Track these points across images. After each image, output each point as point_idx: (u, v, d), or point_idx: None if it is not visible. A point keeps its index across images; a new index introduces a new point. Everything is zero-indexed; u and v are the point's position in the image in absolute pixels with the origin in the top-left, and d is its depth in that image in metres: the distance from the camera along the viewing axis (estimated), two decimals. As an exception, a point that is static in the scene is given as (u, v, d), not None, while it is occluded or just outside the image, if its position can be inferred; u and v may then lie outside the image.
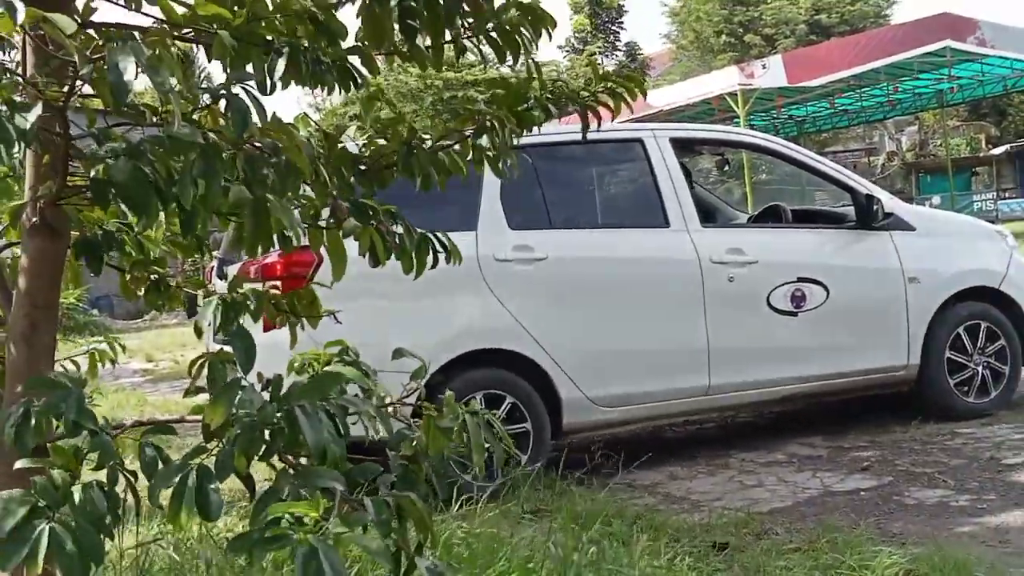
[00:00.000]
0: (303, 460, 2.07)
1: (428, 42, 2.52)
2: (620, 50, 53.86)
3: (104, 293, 27.77)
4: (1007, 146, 47.69)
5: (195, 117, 2.26)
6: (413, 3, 2.35)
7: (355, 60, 2.48)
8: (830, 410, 7.94)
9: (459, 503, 4.98)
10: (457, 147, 2.82)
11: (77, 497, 1.84)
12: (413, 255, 2.69)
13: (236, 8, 2.17)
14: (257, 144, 2.17)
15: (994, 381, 7.46)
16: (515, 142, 2.86)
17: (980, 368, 7.43)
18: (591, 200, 7.66)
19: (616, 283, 6.78)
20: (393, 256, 2.68)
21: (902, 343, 7.28)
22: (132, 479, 2.06)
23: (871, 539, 4.69)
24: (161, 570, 4.20)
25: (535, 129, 2.92)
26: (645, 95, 3.88)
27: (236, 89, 2.08)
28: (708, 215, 7.93)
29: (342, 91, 2.48)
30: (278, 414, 2.00)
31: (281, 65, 2.22)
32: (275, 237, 2.24)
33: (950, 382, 7.37)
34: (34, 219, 2.29)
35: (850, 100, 36.47)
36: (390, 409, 2.45)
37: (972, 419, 7.26)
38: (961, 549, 4.56)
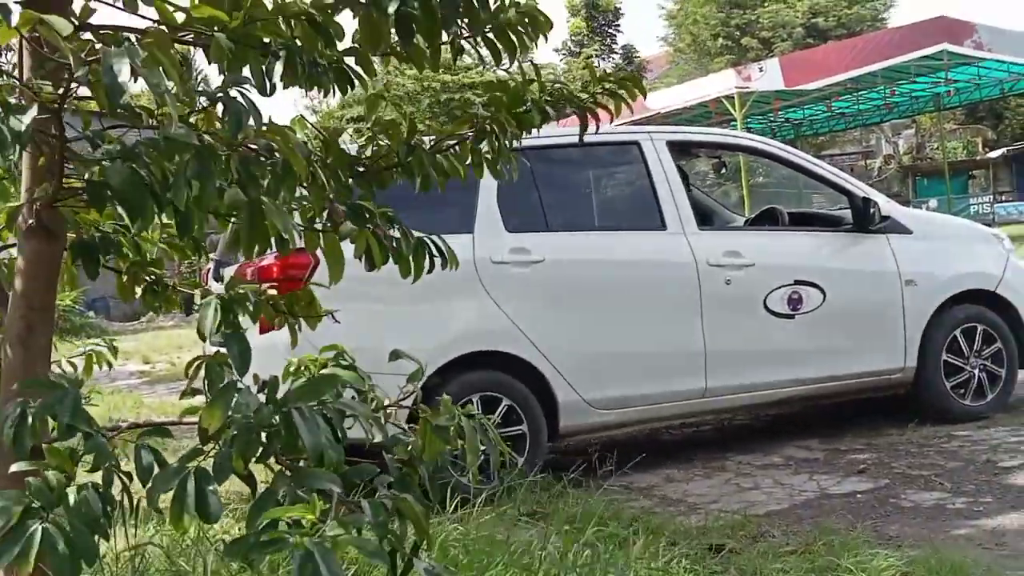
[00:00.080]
0: (297, 463, 2.07)
1: (425, 44, 2.52)
2: (616, 53, 53.92)
3: (100, 295, 27.73)
4: (1004, 149, 47.73)
5: (192, 120, 2.26)
6: (410, 9, 2.34)
7: (352, 61, 2.48)
8: (826, 413, 7.95)
9: (455, 505, 4.98)
10: (456, 149, 2.82)
11: (72, 498, 1.84)
12: (411, 259, 2.69)
13: (233, 11, 2.17)
14: (253, 146, 2.17)
15: (990, 384, 7.46)
16: (514, 145, 2.87)
17: (976, 371, 7.43)
18: (588, 203, 7.66)
19: (613, 286, 6.78)
20: (390, 259, 2.68)
21: (899, 346, 7.28)
22: (127, 481, 2.06)
23: (867, 542, 4.69)
24: (157, 571, 4.20)
25: (532, 131, 2.92)
26: (645, 96, 3.89)
27: (232, 92, 2.07)
28: (705, 218, 7.93)
29: (339, 92, 2.48)
30: (275, 417, 2.00)
31: (279, 67, 2.22)
32: (273, 239, 2.24)
33: (947, 385, 7.37)
34: (30, 221, 2.29)
35: (847, 103, 36.50)
36: (387, 412, 2.45)
37: (968, 422, 7.26)
38: (957, 552, 4.56)
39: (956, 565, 4.27)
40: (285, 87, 2.31)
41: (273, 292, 2.68)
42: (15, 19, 1.92)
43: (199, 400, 2.18)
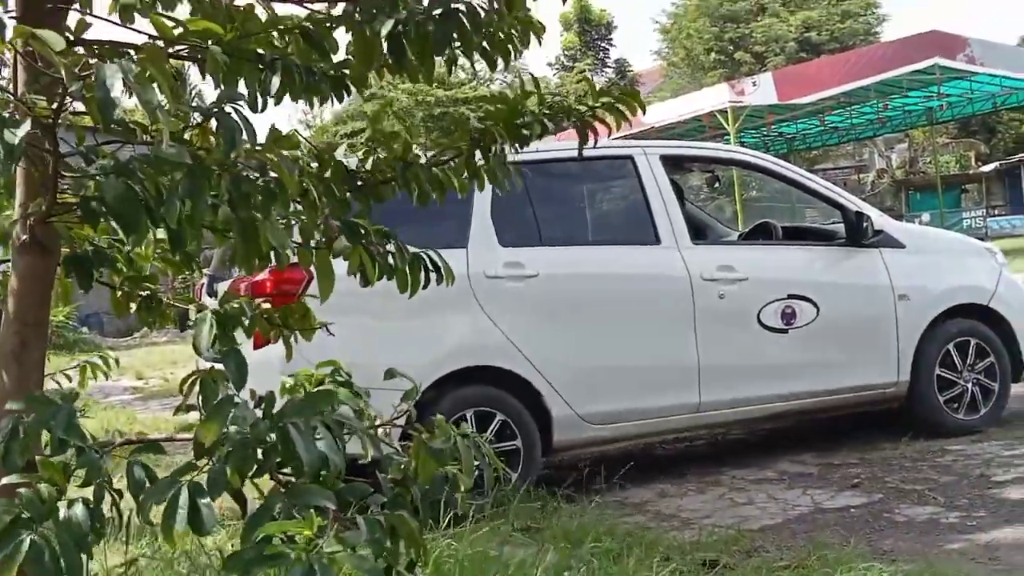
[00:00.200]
0: (293, 479, 2.06)
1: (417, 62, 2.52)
2: (609, 67, 54.04)
3: (94, 311, 27.65)
4: (996, 163, 47.88)
5: (187, 135, 2.26)
6: (403, 29, 2.35)
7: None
8: (820, 427, 7.94)
9: (448, 521, 4.97)
10: (454, 163, 2.82)
11: (62, 512, 1.84)
12: (408, 274, 2.69)
13: (228, 24, 2.17)
14: (245, 163, 2.16)
15: (984, 398, 7.46)
16: (511, 158, 2.87)
17: (970, 385, 7.43)
18: (582, 217, 7.66)
19: (607, 300, 6.78)
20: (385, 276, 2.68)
21: (892, 360, 7.29)
22: (118, 497, 2.05)
23: (861, 556, 4.68)
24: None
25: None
26: (644, 110, 3.88)
27: (227, 108, 2.07)
28: (699, 232, 7.94)
29: (336, 102, 2.49)
30: (271, 433, 2.00)
31: (276, 81, 2.22)
32: (271, 254, 2.24)
33: (940, 399, 7.37)
34: (24, 236, 2.29)
35: (840, 117, 36.57)
36: (381, 431, 2.44)
37: (962, 436, 7.25)
38: (951, 566, 4.56)
39: (950, 580, 4.27)
40: (282, 100, 2.31)
41: (267, 307, 2.67)
42: (8, 33, 1.92)
43: (193, 416, 2.18)
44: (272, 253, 2.24)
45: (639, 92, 3.03)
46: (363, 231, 2.61)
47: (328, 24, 2.39)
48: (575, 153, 3.09)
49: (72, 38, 1.98)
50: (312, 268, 2.62)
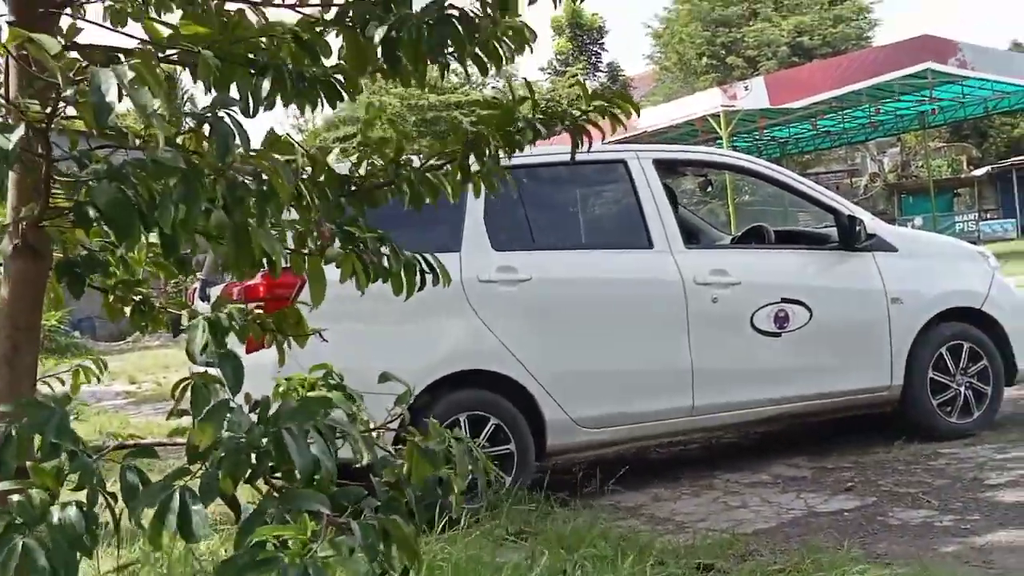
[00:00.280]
0: (286, 483, 2.05)
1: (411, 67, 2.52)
2: (602, 71, 54.07)
3: (86, 315, 27.62)
4: (988, 167, 48.00)
5: (179, 140, 2.25)
6: (396, 35, 2.35)
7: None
8: (814, 431, 7.95)
9: (442, 525, 4.97)
10: (448, 167, 2.82)
11: (55, 517, 1.83)
12: (402, 277, 2.69)
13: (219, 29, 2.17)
14: (239, 168, 2.16)
15: (977, 401, 7.47)
16: (504, 162, 2.87)
17: (963, 388, 7.44)
18: (575, 221, 7.67)
19: (600, 304, 6.78)
20: (380, 279, 2.68)
21: (885, 364, 7.29)
22: (112, 500, 2.05)
23: (855, 560, 4.68)
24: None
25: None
26: (639, 114, 3.88)
27: (220, 113, 2.07)
28: (692, 236, 7.95)
29: (328, 107, 2.48)
30: (264, 438, 1.99)
31: (267, 85, 2.22)
32: (264, 260, 2.23)
33: (933, 402, 7.37)
34: (16, 241, 2.28)
35: (832, 122, 36.69)
36: (374, 434, 2.44)
37: (955, 439, 7.26)
38: (945, 569, 4.56)
39: (944, 583, 4.27)
40: (273, 105, 2.30)
41: (260, 311, 2.67)
42: (2, 37, 1.91)
43: (187, 421, 2.17)
44: (264, 260, 2.23)
45: (630, 96, 3.03)
46: (357, 236, 2.61)
47: (320, 29, 2.39)
48: (568, 157, 3.08)
49: (64, 42, 1.97)
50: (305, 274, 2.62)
